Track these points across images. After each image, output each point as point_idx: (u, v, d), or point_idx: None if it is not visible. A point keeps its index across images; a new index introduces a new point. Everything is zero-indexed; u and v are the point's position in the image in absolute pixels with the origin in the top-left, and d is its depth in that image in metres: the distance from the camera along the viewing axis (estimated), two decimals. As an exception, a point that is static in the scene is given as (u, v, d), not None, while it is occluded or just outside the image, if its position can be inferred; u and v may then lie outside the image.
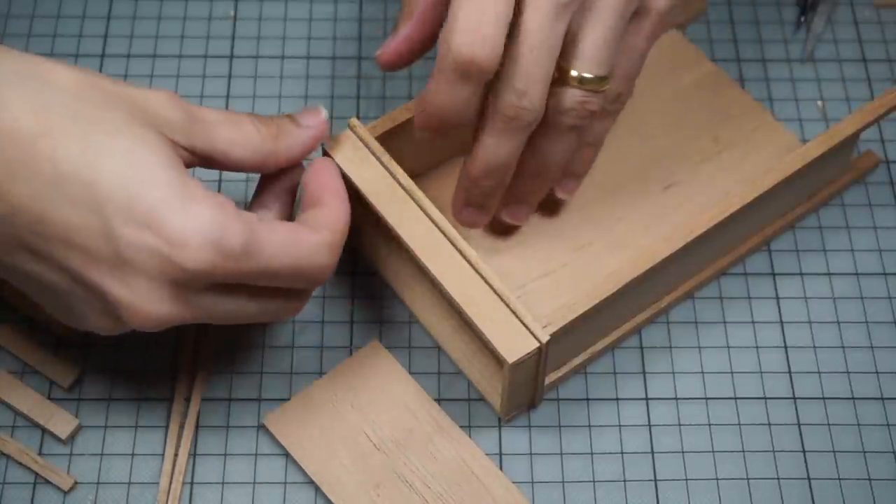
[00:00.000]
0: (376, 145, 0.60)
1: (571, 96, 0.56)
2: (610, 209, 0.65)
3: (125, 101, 0.52)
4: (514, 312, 0.56)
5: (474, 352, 0.60)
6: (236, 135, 0.55)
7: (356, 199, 0.64)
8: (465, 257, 0.57)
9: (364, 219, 0.65)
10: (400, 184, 0.59)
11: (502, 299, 0.56)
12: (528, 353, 0.55)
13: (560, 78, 0.56)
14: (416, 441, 0.59)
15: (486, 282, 0.57)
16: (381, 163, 0.60)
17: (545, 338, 0.55)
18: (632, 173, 0.67)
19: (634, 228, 0.65)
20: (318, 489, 0.58)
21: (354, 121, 0.61)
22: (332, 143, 0.60)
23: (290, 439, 0.59)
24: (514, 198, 0.61)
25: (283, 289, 0.55)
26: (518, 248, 0.64)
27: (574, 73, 0.55)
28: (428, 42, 0.58)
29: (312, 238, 0.54)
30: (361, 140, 0.60)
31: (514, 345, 0.55)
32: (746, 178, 0.66)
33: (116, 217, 0.49)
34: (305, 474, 0.59)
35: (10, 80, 0.50)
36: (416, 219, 0.58)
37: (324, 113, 0.58)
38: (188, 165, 0.53)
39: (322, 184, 0.57)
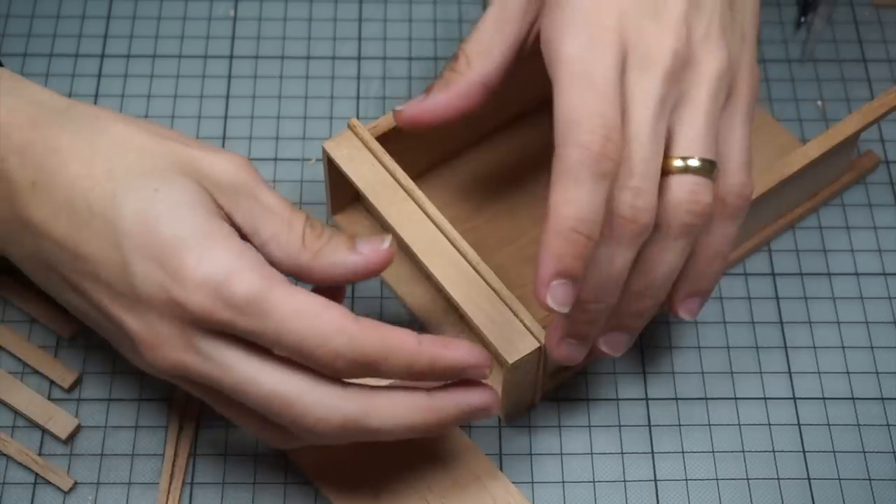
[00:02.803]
0: (376, 145, 0.60)
1: (680, 185, 0.51)
2: None
3: (172, 153, 0.52)
4: (513, 313, 0.56)
5: None
6: (282, 231, 0.52)
7: (356, 198, 0.64)
8: (465, 258, 0.57)
9: (364, 219, 0.65)
10: (400, 184, 0.59)
11: (502, 299, 0.56)
12: (528, 354, 0.55)
13: (665, 172, 0.52)
14: (417, 440, 0.59)
15: (486, 282, 0.57)
16: (382, 163, 0.60)
17: (545, 338, 0.55)
18: None
19: None
20: (318, 489, 0.58)
21: (355, 121, 0.61)
22: (332, 143, 0.60)
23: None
24: (613, 324, 0.55)
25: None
26: (517, 248, 0.64)
27: (678, 161, 0.51)
28: (455, 116, 0.57)
29: (336, 317, 0.50)
30: (361, 140, 0.60)
31: (514, 345, 0.55)
32: None
33: (134, 252, 0.50)
34: (305, 474, 0.59)
35: (73, 129, 0.52)
36: (416, 219, 0.58)
37: (386, 242, 0.53)
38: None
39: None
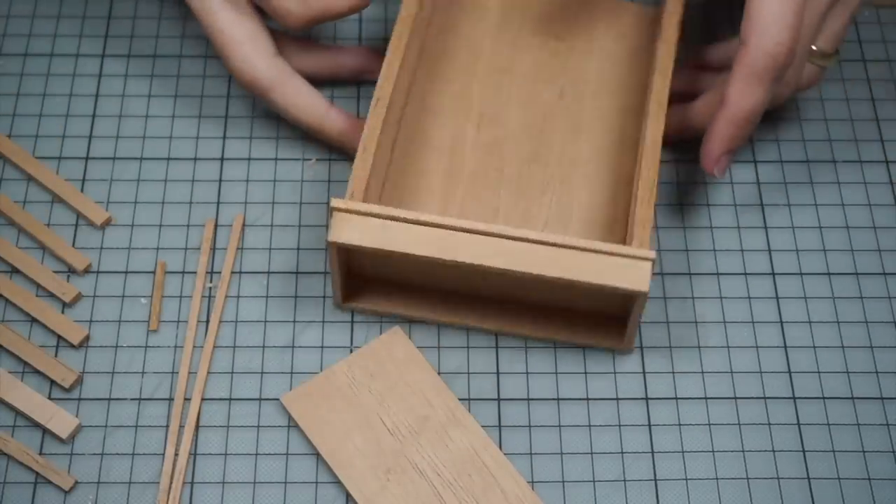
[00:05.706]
0: (367, 206, 0.58)
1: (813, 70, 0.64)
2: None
3: None
4: (608, 253, 0.57)
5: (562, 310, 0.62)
6: None
7: (385, 260, 0.61)
8: (525, 239, 0.58)
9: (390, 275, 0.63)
10: (410, 221, 0.58)
11: (593, 250, 0.57)
12: (650, 276, 0.57)
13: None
14: (430, 429, 0.59)
15: (562, 245, 0.57)
16: (383, 216, 0.58)
17: (652, 254, 0.57)
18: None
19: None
20: (318, 488, 0.58)
21: (336, 200, 0.58)
22: (334, 231, 0.58)
23: (306, 418, 0.59)
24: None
25: None
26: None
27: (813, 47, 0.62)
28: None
29: None
30: (352, 212, 0.58)
31: (634, 277, 0.57)
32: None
33: None
34: (306, 473, 0.59)
35: None
36: (450, 240, 0.58)
37: None
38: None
39: None
